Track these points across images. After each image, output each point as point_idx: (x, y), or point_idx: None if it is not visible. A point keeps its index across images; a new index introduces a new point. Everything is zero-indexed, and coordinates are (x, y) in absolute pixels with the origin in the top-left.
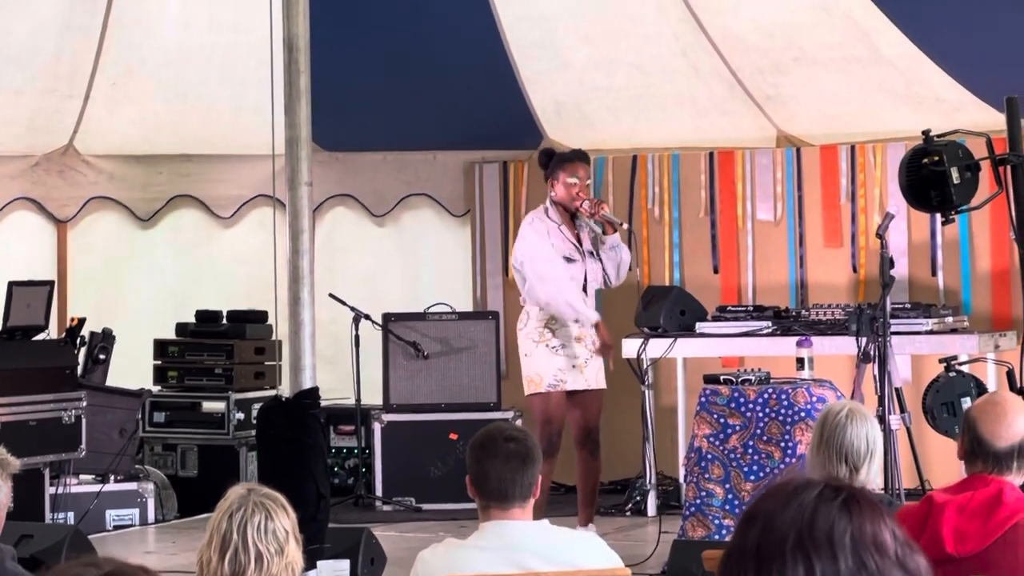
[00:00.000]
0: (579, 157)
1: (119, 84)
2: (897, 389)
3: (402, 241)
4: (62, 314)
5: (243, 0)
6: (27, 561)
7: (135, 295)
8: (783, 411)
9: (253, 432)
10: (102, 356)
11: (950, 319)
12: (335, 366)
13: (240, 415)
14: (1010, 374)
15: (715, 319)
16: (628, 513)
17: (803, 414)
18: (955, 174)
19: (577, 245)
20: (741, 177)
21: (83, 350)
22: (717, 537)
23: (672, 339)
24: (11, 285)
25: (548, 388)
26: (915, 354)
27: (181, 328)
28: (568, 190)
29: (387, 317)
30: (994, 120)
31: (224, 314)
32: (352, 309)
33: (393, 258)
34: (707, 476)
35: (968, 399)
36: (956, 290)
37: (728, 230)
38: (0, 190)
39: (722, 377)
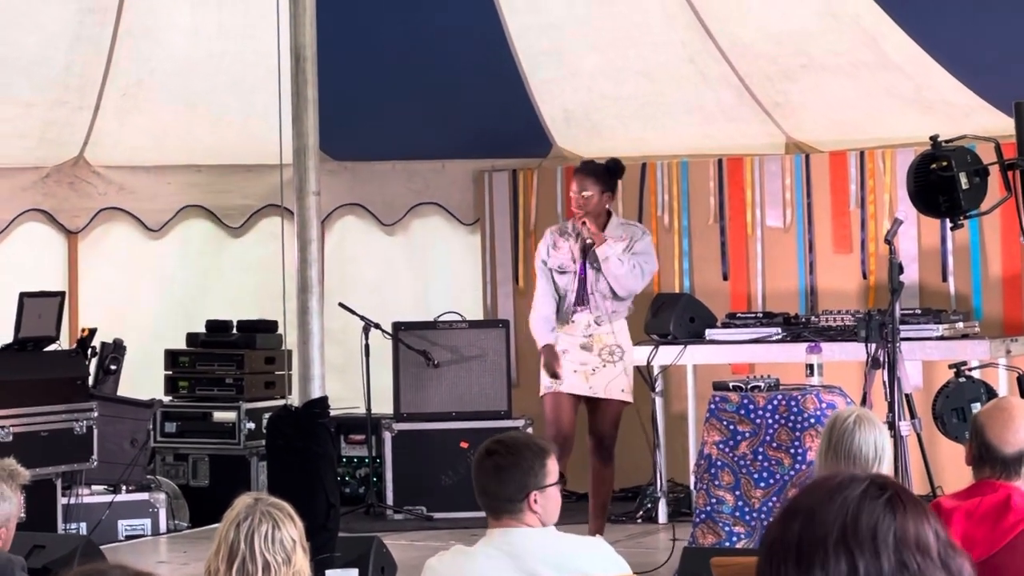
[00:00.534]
0: (578, 169)
1: (129, 95)
2: (907, 395)
3: (412, 250)
4: (73, 325)
5: (251, 10)
6: (39, 572)
7: (145, 305)
8: (793, 417)
9: (264, 442)
10: (113, 366)
11: (960, 325)
12: (345, 375)
13: (251, 425)
14: (1021, 379)
15: (725, 326)
16: (639, 520)
17: (813, 420)
18: (964, 179)
19: (577, 256)
20: (750, 184)
21: (94, 361)
22: (727, 544)
23: (682, 346)
24: (22, 296)
25: (545, 389)
26: (925, 360)
27: (191, 338)
28: (573, 200)
29: (397, 326)
30: (1003, 125)
31: (234, 324)
32: (362, 318)
33: (403, 267)
34: (717, 483)
35: (978, 405)
36: (967, 295)
37: (737, 237)
38: (11, 202)
39: (732, 384)
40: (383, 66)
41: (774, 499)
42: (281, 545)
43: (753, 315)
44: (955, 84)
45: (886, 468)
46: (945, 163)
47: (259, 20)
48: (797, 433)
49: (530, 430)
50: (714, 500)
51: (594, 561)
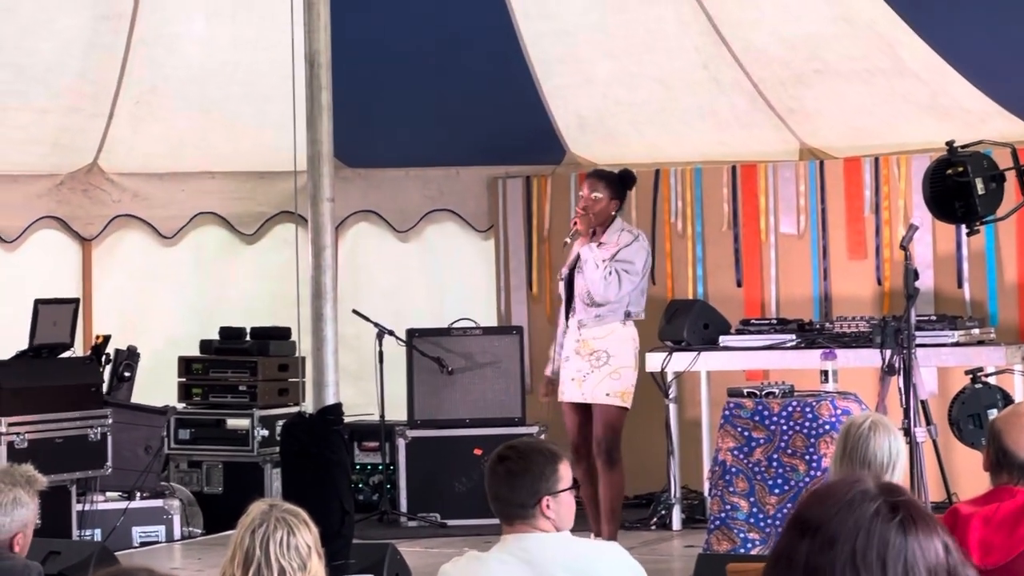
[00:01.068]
0: (591, 173)
1: (143, 102)
2: (923, 401)
3: (426, 257)
4: (87, 332)
5: (265, 17)
6: None
7: (159, 312)
8: (807, 424)
9: (277, 449)
10: (127, 373)
11: (976, 331)
12: (359, 382)
13: (264, 432)
14: None
15: (739, 332)
16: (653, 527)
17: (827, 427)
18: (980, 185)
19: (574, 262)
20: (764, 190)
21: (108, 368)
22: (742, 551)
23: (696, 353)
24: (37, 303)
25: (559, 397)
26: (941, 366)
27: (205, 345)
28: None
29: (411, 333)
30: (1019, 130)
31: (248, 331)
32: (376, 325)
33: (417, 274)
34: (732, 489)
35: (994, 411)
36: (982, 302)
37: (751, 243)
38: (26, 209)
39: (746, 390)
40: (397, 73)
41: (789, 506)
42: (296, 551)
43: (767, 321)
44: (971, 90)
45: (900, 473)
46: (961, 168)
47: (272, 30)
48: (812, 440)
49: (544, 437)
50: (728, 506)
51: (610, 566)
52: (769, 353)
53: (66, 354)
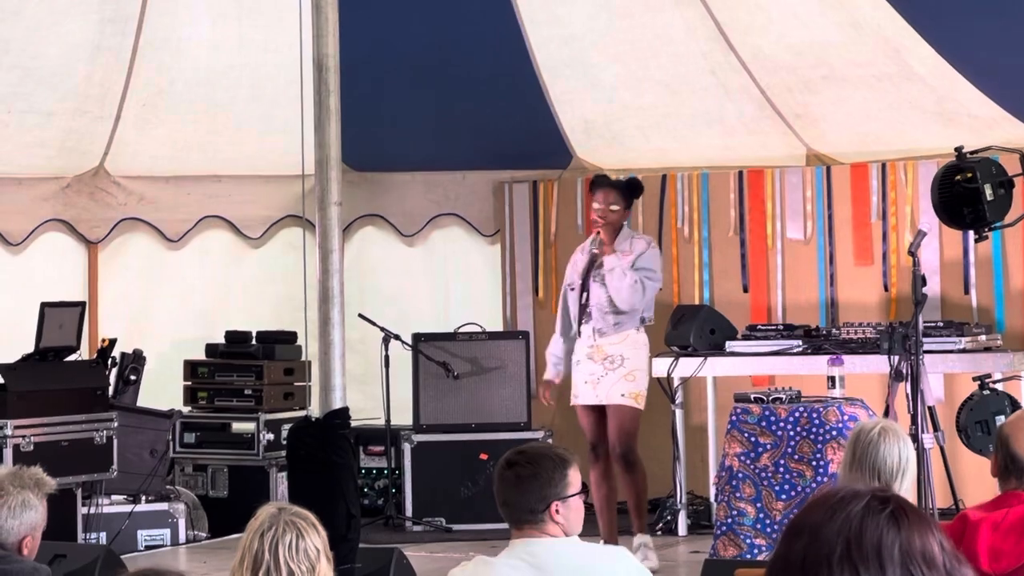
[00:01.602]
0: (602, 183)
1: (149, 105)
2: (930, 407)
3: (432, 261)
4: (93, 335)
5: (272, 21)
6: None
7: (165, 316)
8: (814, 429)
9: (283, 453)
10: (133, 377)
11: (983, 337)
12: (365, 386)
13: (270, 436)
14: None
15: (745, 338)
16: (659, 532)
17: (834, 432)
18: (988, 191)
19: (588, 270)
20: (771, 196)
21: (114, 371)
22: (749, 556)
23: (702, 358)
24: (43, 306)
25: (572, 401)
26: (948, 372)
27: (211, 349)
28: (592, 214)
29: (417, 337)
30: None
31: (254, 335)
32: (382, 329)
33: (423, 278)
34: (738, 495)
35: (1002, 417)
36: (989, 308)
37: (758, 249)
38: (32, 212)
39: (753, 396)
40: (403, 77)
41: (795, 511)
42: (305, 554)
43: (774, 327)
44: (979, 96)
45: (910, 480)
46: (970, 174)
47: (280, 33)
48: (819, 445)
49: (550, 441)
50: (735, 512)
51: (617, 571)
52: (776, 359)
53: (72, 357)
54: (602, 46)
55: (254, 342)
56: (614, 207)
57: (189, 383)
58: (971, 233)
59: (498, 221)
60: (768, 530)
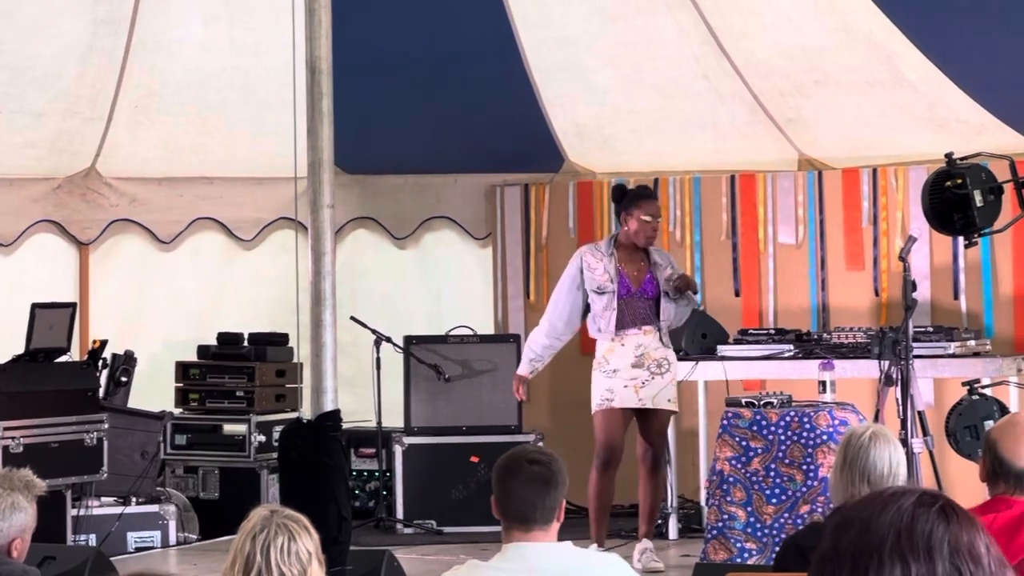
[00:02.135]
0: (651, 194)
1: (141, 107)
2: (920, 412)
3: (424, 264)
4: (84, 336)
5: (265, 23)
6: None
7: (157, 317)
8: (805, 434)
9: (274, 454)
10: (124, 378)
11: (972, 342)
12: (356, 389)
13: (261, 437)
14: None
15: (737, 342)
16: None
17: (825, 437)
18: (978, 197)
19: (618, 278)
20: (763, 200)
21: (105, 372)
22: (739, 560)
23: (694, 362)
24: (34, 307)
25: (596, 407)
26: (938, 377)
27: (203, 350)
28: (643, 227)
29: (408, 340)
30: (1017, 142)
31: (246, 336)
32: (374, 332)
33: (414, 281)
34: (729, 499)
35: (991, 422)
36: (978, 313)
37: (750, 253)
38: (23, 213)
39: (744, 400)
40: (396, 80)
41: (786, 515)
42: (297, 557)
43: (765, 331)
44: (969, 102)
45: (900, 484)
46: (960, 180)
47: (272, 36)
48: (809, 449)
49: (540, 444)
50: (726, 516)
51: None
52: (767, 363)
53: (63, 358)
54: (595, 49)
55: (246, 344)
56: (659, 218)
57: (181, 385)
58: (961, 239)
59: (490, 224)
60: (758, 534)
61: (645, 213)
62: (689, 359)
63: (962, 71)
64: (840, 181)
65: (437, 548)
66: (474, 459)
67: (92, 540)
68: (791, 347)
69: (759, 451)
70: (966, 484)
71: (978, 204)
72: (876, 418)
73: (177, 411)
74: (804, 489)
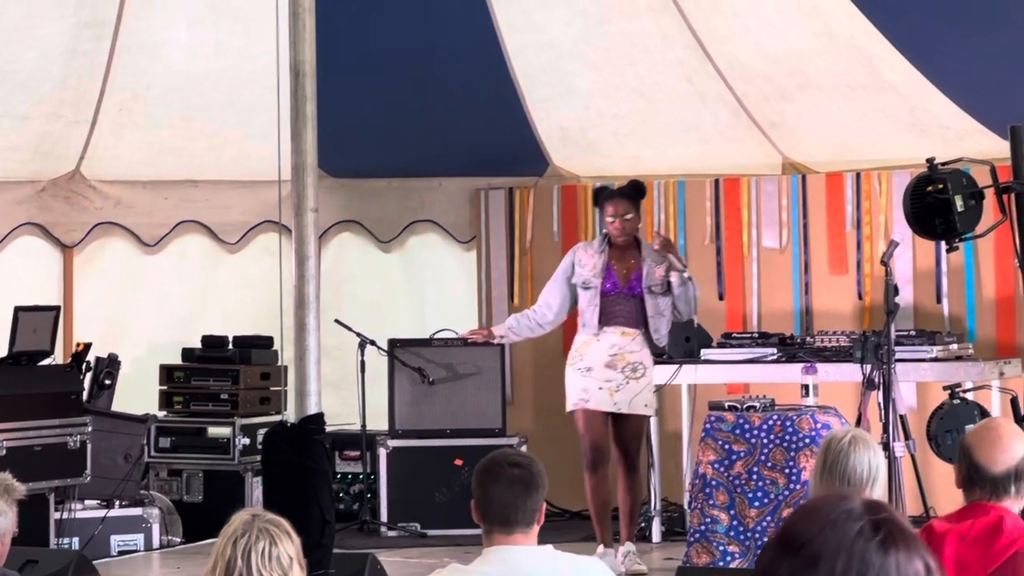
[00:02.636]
0: (611, 194)
1: (125, 110)
2: (902, 416)
3: (408, 267)
4: (68, 339)
5: (250, 26)
6: None
7: (141, 320)
8: (788, 437)
9: (258, 457)
10: (108, 381)
11: (955, 346)
12: (341, 392)
13: (245, 440)
14: (1014, 401)
15: (720, 346)
16: (634, 539)
17: (808, 440)
18: (959, 202)
19: (603, 275)
20: (746, 204)
21: (89, 375)
22: (722, 563)
23: (677, 365)
24: (17, 310)
25: (572, 406)
26: (920, 381)
27: (187, 353)
28: (609, 226)
29: (393, 343)
30: (999, 148)
31: (230, 340)
32: (358, 335)
33: (399, 284)
34: (712, 502)
35: (972, 426)
36: (961, 317)
37: (733, 257)
38: (6, 216)
39: (727, 404)
40: (380, 83)
41: (769, 518)
42: (278, 562)
43: (749, 335)
44: (951, 107)
45: (879, 489)
46: (941, 185)
47: (257, 39)
48: (792, 453)
49: (524, 448)
50: (708, 519)
51: None
52: (750, 367)
53: (46, 362)
54: (579, 53)
55: (230, 347)
56: (628, 216)
57: (165, 387)
58: (942, 243)
59: (474, 228)
60: (741, 537)
61: (608, 213)
62: (673, 362)
63: (944, 76)
64: (824, 185)
65: (421, 551)
66: (458, 462)
67: (75, 543)
68: (774, 351)
69: (742, 454)
70: (948, 488)
71: (959, 209)
72: (858, 422)
73: (161, 414)
74: (787, 492)
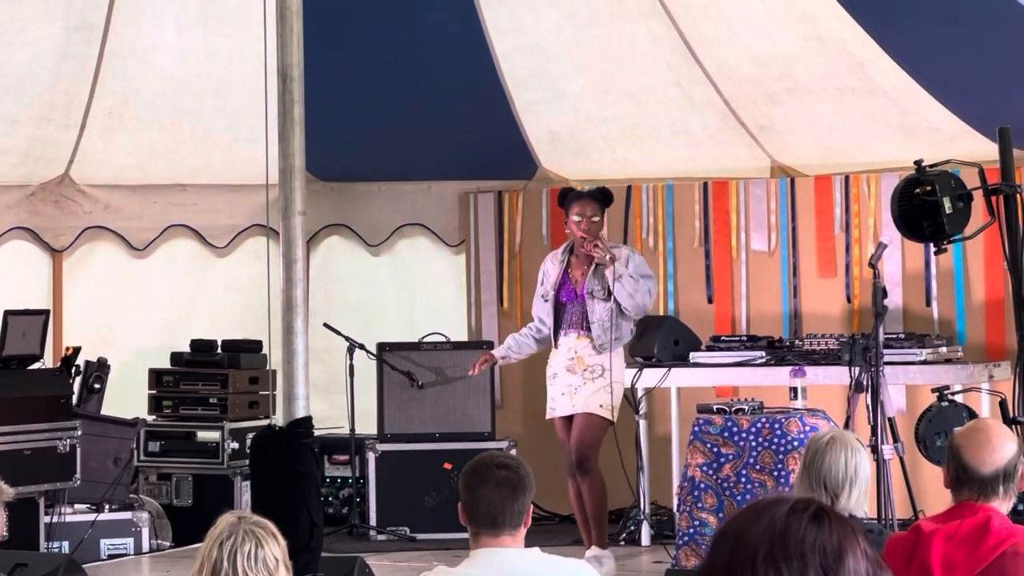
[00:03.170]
0: (580, 195)
1: (115, 114)
2: (890, 419)
3: (397, 271)
4: (57, 343)
5: (238, 30)
6: None
7: (130, 324)
8: (776, 440)
9: (247, 461)
10: (97, 385)
11: (944, 349)
12: (330, 396)
13: (234, 444)
14: (1003, 404)
15: (709, 349)
16: (622, 543)
17: (796, 443)
18: (947, 204)
19: (559, 284)
20: (735, 207)
21: (78, 379)
22: None
23: (666, 369)
24: (6, 314)
25: (548, 415)
26: (909, 384)
27: (176, 357)
28: (575, 227)
29: (382, 347)
30: (987, 150)
31: (219, 343)
32: (347, 339)
33: (388, 288)
34: (700, 505)
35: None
36: (950, 320)
37: (722, 260)
38: None
39: (716, 407)
40: (369, 87)
41: None
42: (264, 564)
43: (737, 338)
44: (940, 109)
45: (859, 491)
46: (929, 187)
47: (245, 43)
48: (780, 456)
49: (514, 451)
50: (697, 522)
51: None
52: (739, 370)
53: (35, 365)
54: (567, 57)
55: (219, 351)
56: (595, 218)
57: (154, 392)
58: (931, 245)
59: (463, 231)
60: None
61: (574, 212)
62: (662, 366)
63: (933, 78)
64: (812, 188)
65: (410, 555)
66: (447, 466)
67: (65, 547)
68: (763, 354)
69: (730, 457)
70: (936, 490)
71: (947, 211)
72: (847, 424)
73: (150, 418)
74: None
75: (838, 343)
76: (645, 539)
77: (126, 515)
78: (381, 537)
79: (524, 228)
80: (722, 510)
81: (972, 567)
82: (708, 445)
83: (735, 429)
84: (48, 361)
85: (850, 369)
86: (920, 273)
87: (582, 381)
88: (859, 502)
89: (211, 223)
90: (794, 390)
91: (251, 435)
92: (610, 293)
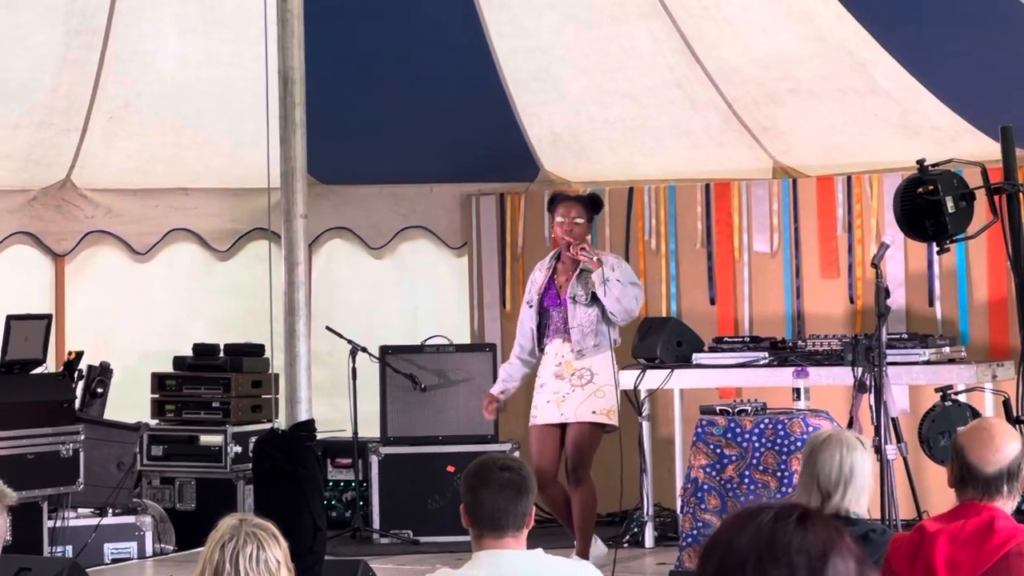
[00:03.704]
0: (566, 198)
1: (116, 118)
2: (894, 419)
3: (399, 273)
4: (60, 348)
5: (239, 34)
6: None
7: (132, 329)
8: (779, 441)
9: (250, 465)
10: (100, 390)
11: (947, 349)
12: (332, 399)
13: (237, 448)
14: (1006, 404)
15: (712, 350)
16: (626, 545)
17: (799, 444)
18: (950, 203)
19: (544, 290)
20: (737, 208)
21: (81, 384)
22: None
23: (669, 370)
24: (9, 319)
25: (531, 422)
26: (912, 384)
27: (178, 362)
28: (559, 229)
29: (384, 350)
30: (990, 149)
31: (221, 347)
32: (349, 342)
33: (390, 290)
34: (704, 507)
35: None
36: (953, 320)
37: (725, 261)
38: None
39: (719, 408)
40: (370, 89)
41: None
42: (266, 566)
43: (740, 339)
44: (942, 108)
45: (856, 490)
46: (931, 187)
47: (246, 46)
48: (783, 456)
49: (517, 454)
50: (701, 524)
51: None
52: (742, 371)
53: (38, 370)
54: (569, 59)
55: (222, 355)
56: (579, 220)
57: (157, 396)
58: (934, 245)
59: (465, 234)
60: None
61: (559, 214)
62: (664, 367)
63: (935, 78)
64: (815, 189)
65: (413, 558)
66: (450, 469)
67: (68, 551)
68: (766, 355)
69: (733, 458)
70: (940, 490)
71: (950, 210)
72: (850, 425)
73: (153, 422)
74: (778, 496)
75: (841, 344)
76: (649, 541)
77: (129, 519)
78: (384, 540)
79: (526, 230)
80: (725, 511)
81: (976, 567)
82: (711, 446)
83: (738, 430)
84: (51, 366)
85: (853, 369)
86: (923, 273)
87: (570, 388)
88: (856, 501)
89: (213, 227)
90: (797, 391)
91: (254, 439)
92: (594, 298)
